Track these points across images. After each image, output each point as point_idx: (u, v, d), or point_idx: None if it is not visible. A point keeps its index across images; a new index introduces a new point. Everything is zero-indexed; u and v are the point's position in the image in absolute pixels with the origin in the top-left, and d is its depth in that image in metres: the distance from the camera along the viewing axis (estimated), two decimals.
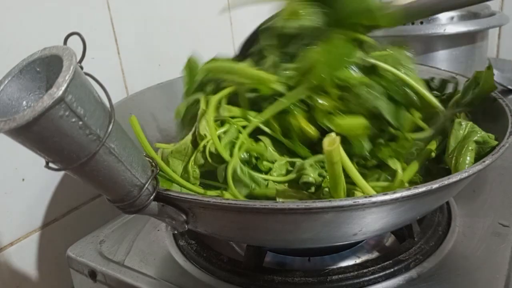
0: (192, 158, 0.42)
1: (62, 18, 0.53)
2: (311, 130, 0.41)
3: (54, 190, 0.56)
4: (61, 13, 0.53)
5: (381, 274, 0.39)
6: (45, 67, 0.25)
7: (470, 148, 0.37)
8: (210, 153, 0.42)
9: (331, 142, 0.31)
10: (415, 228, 0.43)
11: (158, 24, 0.67)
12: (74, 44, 0.24)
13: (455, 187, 0.35)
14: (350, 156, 0.36)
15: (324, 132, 0.41)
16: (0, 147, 0.49)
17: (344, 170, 0.33)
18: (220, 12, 0.78)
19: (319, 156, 0.41)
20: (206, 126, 0.43)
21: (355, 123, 0.40)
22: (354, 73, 0.41)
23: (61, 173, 0.55)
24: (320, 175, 0.39)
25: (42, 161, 0.25)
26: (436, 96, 0.46)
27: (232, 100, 0.45)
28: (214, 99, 0.44)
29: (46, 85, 0.25)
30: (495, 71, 0.75)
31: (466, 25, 0.68)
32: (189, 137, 0.43)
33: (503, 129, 0.38)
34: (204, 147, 0.42)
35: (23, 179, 0.52)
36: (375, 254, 0.44)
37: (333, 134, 0.31)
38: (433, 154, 0.41)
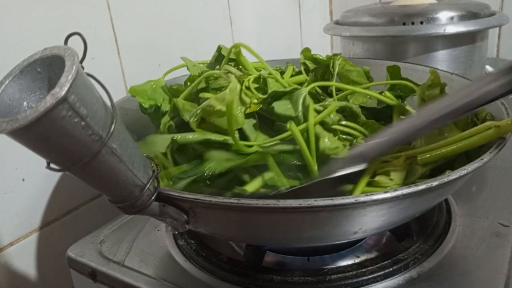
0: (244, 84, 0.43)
1: (62, 18, 0.53)
2: None
3: (54, 190, 0.56)
4: (61, 13, 0.53)
5: (380, 273, 0.39)
6: (46, 68, 0.24)
7: None
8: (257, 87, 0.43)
9: None
10: (414, 227, 0.43)
11: (158, 24, 0.67)
12: (74, 44, 0.24)
13: (454, 185, 0.35)
14: None
15: None
16: (0, 147, 0.49)
17: None
18: (220, 12, 0.78)
19: None
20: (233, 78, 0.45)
21: None
22: None
23: (61, 173, 0.55)
24: None
25: (42, 161, 0.25)
26: None
27: None
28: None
29: (47, 86, 0.25)
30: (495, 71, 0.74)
31: (466, 25, 0.68)
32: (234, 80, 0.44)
33: None
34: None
35: (23, 179, 0.52)
36: (374, 254, 0.44)
37: None
38: None
